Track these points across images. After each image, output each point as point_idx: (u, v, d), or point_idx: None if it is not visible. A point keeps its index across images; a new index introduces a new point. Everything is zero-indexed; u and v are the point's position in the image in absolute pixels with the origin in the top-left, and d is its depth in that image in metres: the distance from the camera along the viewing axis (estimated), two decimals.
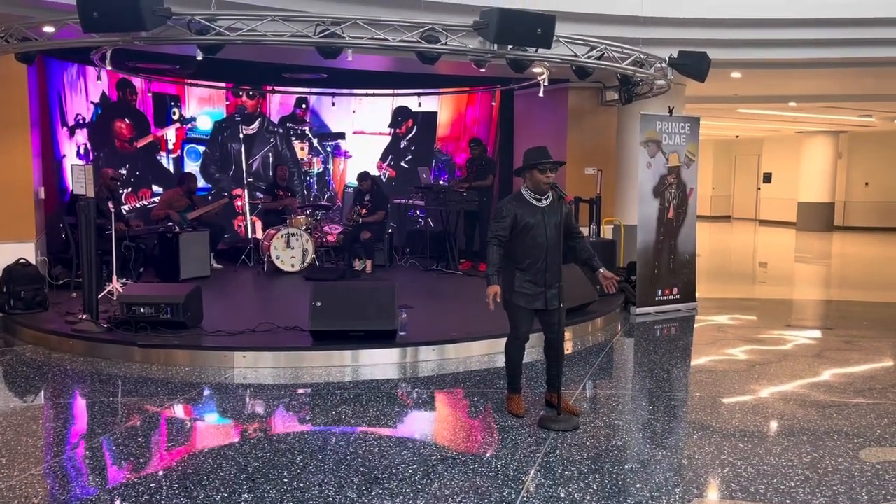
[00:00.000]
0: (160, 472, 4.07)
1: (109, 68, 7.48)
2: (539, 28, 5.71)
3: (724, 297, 10.31)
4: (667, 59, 7.48)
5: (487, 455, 4.34)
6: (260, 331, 6.70)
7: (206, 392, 5.59)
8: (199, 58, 6.66)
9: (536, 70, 8.46)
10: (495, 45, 5.94)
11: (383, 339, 6.39)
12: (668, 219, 8.72)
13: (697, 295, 9.36)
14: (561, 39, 6.35)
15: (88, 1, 5.29)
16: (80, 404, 5.40)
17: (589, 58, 6.71)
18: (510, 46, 6.23)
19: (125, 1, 5.25)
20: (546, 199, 4.73)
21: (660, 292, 8.69)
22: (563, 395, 5.02)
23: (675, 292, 8.80)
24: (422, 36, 5.92)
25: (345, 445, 4.46)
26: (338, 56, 5.92)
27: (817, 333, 8.13)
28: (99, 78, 8.97)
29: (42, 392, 5.72)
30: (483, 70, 7.04)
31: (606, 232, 10.23)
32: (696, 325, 8.36)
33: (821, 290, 11.81)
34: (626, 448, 4.46)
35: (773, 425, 4.92)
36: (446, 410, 5.42)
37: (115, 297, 7.41)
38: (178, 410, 5.18)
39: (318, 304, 6.36)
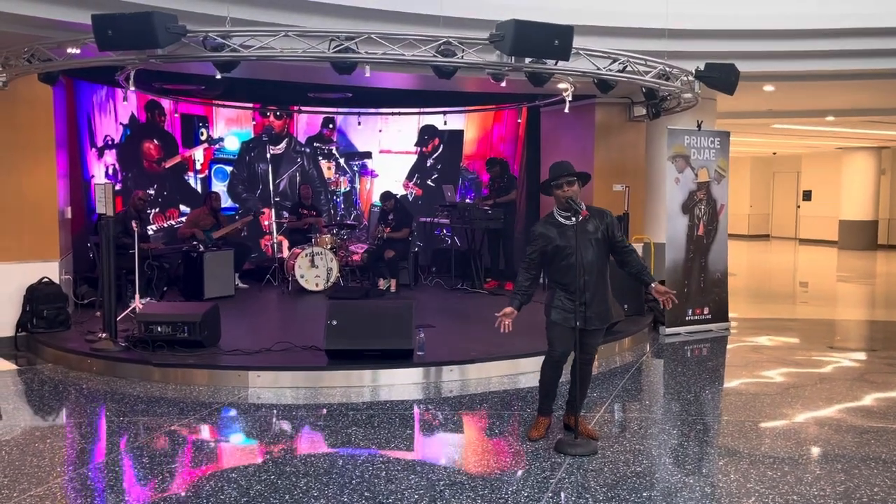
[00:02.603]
0: (160, 495, 3.97)
1: (133, 89, 7.54)
2: (556, 40, 5.57)
3: (760, 318, 9.97)
4: (693, 72, 7.27)
5: (498, 480, 4.15)
6: (277, 350, 6.60)
7: (218, 412, 5.49)
8: (219, 76, 6.67)
9: (561, 85, 8.31)
10: (513, 59, 5.81)
11: (400, 358, 6.25)
12: (697, 236, 8.45)
13: (733, 315, 9.06)
14: (581, 52, 6.20)
15: (103, 19, 5.31)
16: (90, 424, 5.34)
17: (611, 70, 6.54)
18: (529, 60, 6.11)
19: (139, 19, 5.25)
20: (577, 216, 4.52)
21: (690, 312, 8.40)
22: (582, 418, 4.82)
23: (706, 312, 8.51)
24: (437, 50, 5.82)
25: (351, 469, 4.30)
26: (352, 71, 5.84)
27: (858, 355, 7.74)
28: (125, 99, 9.06)
29: (54, 411, 5.69)
30: (503, 85, 6.90)
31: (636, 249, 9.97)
32: (728, 346, 8.05)
33: (863, 311, 11.34)
34: (646, 475, 4.23)
35: (806, 452, 4.64)
36: (460, 433, 5.23)
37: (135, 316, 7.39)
38: (187, 431, 5.07)
39: (334, 322, 6.25)
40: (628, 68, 6.69)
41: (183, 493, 4.00)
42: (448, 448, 4.88)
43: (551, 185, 4.57)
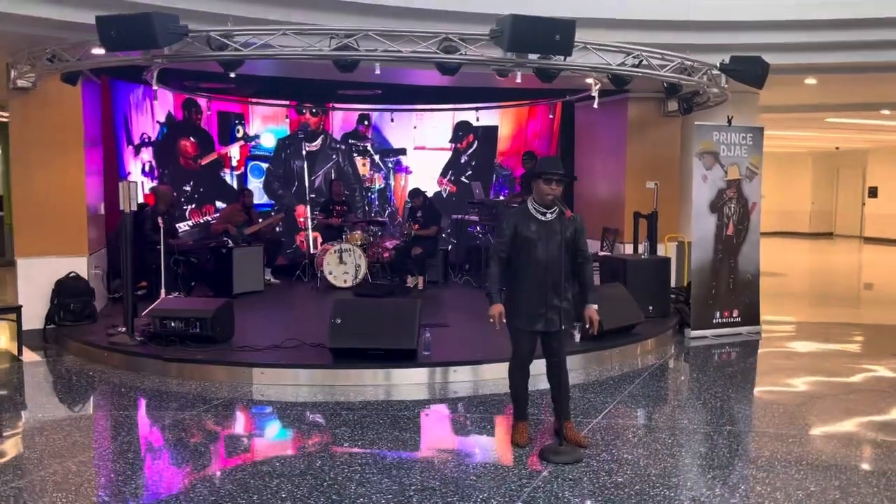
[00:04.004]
0: (131, 492, 4.02)
1: (156, 87, 7.70)
2: (557, 34, 5.41)
3: (801, 321, 9.56)
4: (717, 66, 6.98)
5: (471, 487, 4.05)
6: (285, 346, 6.65)
7: (215, 409, 5.54)
8: (233, 75, 6.76)
9: (589, 80, 8.11)
10: (515, 54, 5.68)
11: (403, 358, 6.20)
12: (727, 235, 8.13)
13: (771, 318, 8.72)
14: (589, 46, 6.02)
15: (106, 20, 5.42)
16: (88, 417, 5.49)
17: (623, 65, 6.33)
18: (538, 56, 5.97)
19: (139, 20, 5.34)
20: (552, 213, 4.44)
21: (718, 314, 8.10)
22: (571, 425, 4.70)
23: (735, 314, 8.18)
24: (439, 46, 5.73)
25: (327, 470, 4.28)
26: (354, 69, 5.82)
27: None
28: (155, 98, 9.25)
29: (59, 404, 5.87)
30: (519, 81, 6.76)
31: (669, 250, 9.68)
32: (756, 351, 7.73)
33: None
34: (626, 486, 4.07)
35: (806, 466, 4.38)
36: (445, 436, 5.16)
37: None
38: (179, 427, 5.12)
39: (338, 321, 6.25)
40: (644, 63, 6.47)
41: (154, 491, 4.05)
42: (430, 451, 4.81)
43: (541, 178, 4.45)
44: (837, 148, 21.92)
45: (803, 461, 4.47)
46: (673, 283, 9.28)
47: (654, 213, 8.98)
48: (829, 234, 23.65)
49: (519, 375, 4.63)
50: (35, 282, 7.70)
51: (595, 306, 4.57)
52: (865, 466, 4.38)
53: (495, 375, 6.22)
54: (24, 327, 7.30)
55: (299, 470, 4.30)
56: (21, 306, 7.26)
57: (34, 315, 7.57)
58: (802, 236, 23.12)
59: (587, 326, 4.58)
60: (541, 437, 4.80)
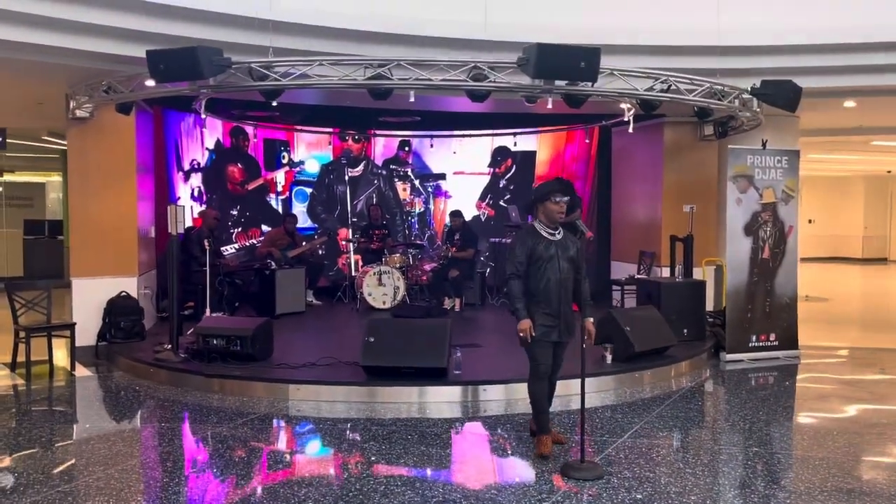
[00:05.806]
0: (168, 497, 4.23)
1: (204, 116, 8.10)
2: (583, 62, 5.57)
3: (844, 346, 9.39)
4: (748, 90, 7.03)
5: (491, 500, 4.17)
6: (321, 364, 6.86)
7: (252, 422, 5.76)
8: (274, 103, 7.06)
9: (623, 106, 8.23)
10: (542, 81, 5.86)
11: (433, 377, 6.35)
12: (762, 259, 8.10)
13: (811, 343, 8.62)
14: (616, 72, 6.16)
15: (156, 55, 5.77)
16: (132, 429, 5.77)
17: (652, 90, 6.44)
18: (566, 82, 6.14)
19: (185, 53, 5.68)
20: (559, 233, 4.77)
21: (754, 338, 8.05)
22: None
23: (772, 338, 8.12)
24: (469, 74, 5.94)
25: (353, 481, 4.44)
26: (388, 97, 6.06)
27: None
28: (204, 126, 9.66)
29: (106, 416, 6.15)
30: (550, 106, 6.94)
31: (707, 273, 9.64)
32: (792, 376, 7.65)
33: None
34: (645, 502, 4.12)
35: (829, 488, 4.36)
36: (471, 451, 5.28)
37: None
38: (215, 439, 5.35)
39: (371, 339, 6.44)
40: (672, 87, 6.57)
41: (189, 496, 4.26)
42: (454, 465, 4.93)
43: (549, 199, 4.71)
44: (889, 171, 21.45)
45: (827, 483, 4.45)
46: (711, 307, 9.24)
47: (689, 237, 8.99)
48: (884, 260, 23.05)
49: (540, 388, 4.85)
50: (88, 301, 8.08)
51: (592, 319, 4.82)
52: (891, 490, 4.35)
53: (525, 395, 6.31)
54: (78, 344, 7.68)
55: (327, 481, 4.47)
56: (75, 324, 7.64)
57: (87, 332, 7.94)
58: (855, 262, 22.58)
59: (585, 338, 4.75)
60: (570, 455, 4.88)
